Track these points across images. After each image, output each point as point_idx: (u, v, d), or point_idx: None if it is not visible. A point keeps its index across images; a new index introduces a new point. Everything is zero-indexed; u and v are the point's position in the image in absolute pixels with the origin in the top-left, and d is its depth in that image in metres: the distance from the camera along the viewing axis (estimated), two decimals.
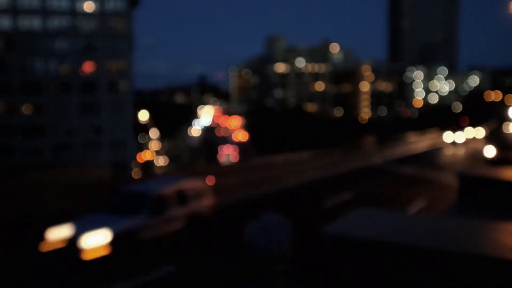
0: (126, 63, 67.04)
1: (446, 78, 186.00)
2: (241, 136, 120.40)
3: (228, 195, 16.93)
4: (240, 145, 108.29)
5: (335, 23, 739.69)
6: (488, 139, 52.14)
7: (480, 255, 2.77)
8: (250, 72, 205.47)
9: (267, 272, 1.84)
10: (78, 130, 64.08)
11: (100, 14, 65.73)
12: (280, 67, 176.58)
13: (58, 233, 10.19)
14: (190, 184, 12.69)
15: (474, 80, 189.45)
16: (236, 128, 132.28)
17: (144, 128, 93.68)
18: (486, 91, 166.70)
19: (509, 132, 63.20)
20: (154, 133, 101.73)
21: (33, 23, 63.72)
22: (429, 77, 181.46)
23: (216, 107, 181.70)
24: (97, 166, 19.20)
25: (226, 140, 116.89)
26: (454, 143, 51.35)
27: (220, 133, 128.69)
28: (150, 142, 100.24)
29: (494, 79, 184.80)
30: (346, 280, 3.25)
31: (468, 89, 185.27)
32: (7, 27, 62.63)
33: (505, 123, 76.64)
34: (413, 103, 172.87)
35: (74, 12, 65.11)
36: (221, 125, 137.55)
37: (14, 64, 62.51)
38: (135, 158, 71.61)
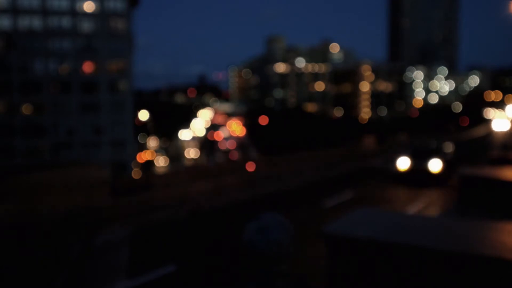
0: (126, 63, 67.06)
1: (446, 78, 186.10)
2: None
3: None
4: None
5: (335, 23, 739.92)
6: None
7: (480, 255, 2.77)
8: (250, 72, 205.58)
9: (267, 272, 1.84)
10: (78, 130, 64.09)
11: (100, 14, 65.74)
12: (280, 67, 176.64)
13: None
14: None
15: (474, 80, 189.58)
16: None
17: (144, 128, 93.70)
18: (486, 91, 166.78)
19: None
20: (154, 133, 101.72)
21: (33, 23, 63.74)
22: (429, 77, 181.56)
23: (216, 110, 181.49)
24: (97, 166, 19.18)
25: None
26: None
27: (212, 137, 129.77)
28: (150, 142, 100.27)
29: (494, 79, 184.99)
30: (346, 279, 3.25)
31: (468, 89, 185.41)
32: (7, 27, 62.66)
33: None
34: (413, 103, 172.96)
35: (74, 12, 65.12)
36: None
37: (14, 64, 62.52)
38: (135, 158, 71.58)
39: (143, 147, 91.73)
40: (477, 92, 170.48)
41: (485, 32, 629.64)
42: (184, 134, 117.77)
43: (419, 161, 18.37)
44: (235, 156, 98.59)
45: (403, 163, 18.72)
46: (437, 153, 18.98)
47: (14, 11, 62.67)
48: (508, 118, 66.60)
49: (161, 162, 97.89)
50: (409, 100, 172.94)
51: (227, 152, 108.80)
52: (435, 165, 17.94)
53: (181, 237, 11.79)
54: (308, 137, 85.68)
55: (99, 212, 13.59)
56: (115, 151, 63.92)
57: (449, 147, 21.33)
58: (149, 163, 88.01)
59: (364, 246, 3.15)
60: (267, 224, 1.86)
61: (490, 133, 60.29)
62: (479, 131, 67.08)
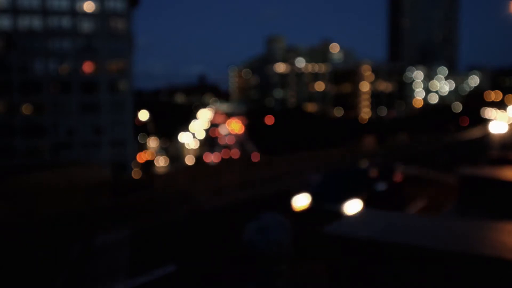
0: (126, 63, 67.04)
1: (446, 78, 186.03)
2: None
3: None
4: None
5: (335, 23, 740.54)
6: None
7: (480, 255, 2.77)
8: (250, 72, 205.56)
9: (267, 272, 1.84)
10: (78, 130, 64.08)
11: (100, 14, 65.72)
12: (280, 67, 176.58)
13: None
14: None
15: (474, 80, 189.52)
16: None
17: (144, 128, 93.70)
18: (486, 91, 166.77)
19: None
20: (154, 133, 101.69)
21: (33, 23, 63.72)
22: (429, 77, 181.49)
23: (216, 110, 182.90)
24: (97, 166, 19.17)
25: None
26: None
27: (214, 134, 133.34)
28: (150, 142, 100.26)
29: (494, 79, 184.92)
30: (346, 280, 3.25)
31: (468, 89, 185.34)
32: (7, 27, 62.65)
33: None
34: (413, 103, 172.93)
35: (74, 12, 65.11)
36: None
37: (14, 64, 62.52)
38: (135, 158, 71.58)
39: (143, 147, 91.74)
40: (477, 92, 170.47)
41: (485, 32, 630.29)
42: (184, 137, 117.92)
43: (327, 197, 12.06)
44: (235, 152, 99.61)
45: (302, 200, 12.06)
46: (365, 184, 12.71)
47: (14, 11, 62.64)
48: (509, 119, 66.77)
49: (161, 162, 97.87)
50: (409, 100, 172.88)
51: (226, 147, 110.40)
52: (352, 206, 11.13)
53: (181, 237, 11.79)
54: (308, 137, 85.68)
55: (99, 212, 13.60)
56: (115, 151, 63.89)
57: (395, 171, 14.88)
58: (149, 163, 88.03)
59: (364, 246, 3.15)
60: (267, 224, 1.86)
61: (488, 134, 60.36)
62: (478, 132, 67.20)
